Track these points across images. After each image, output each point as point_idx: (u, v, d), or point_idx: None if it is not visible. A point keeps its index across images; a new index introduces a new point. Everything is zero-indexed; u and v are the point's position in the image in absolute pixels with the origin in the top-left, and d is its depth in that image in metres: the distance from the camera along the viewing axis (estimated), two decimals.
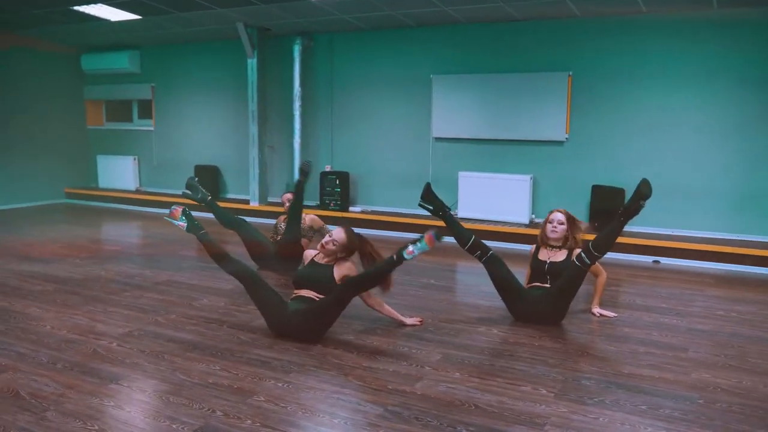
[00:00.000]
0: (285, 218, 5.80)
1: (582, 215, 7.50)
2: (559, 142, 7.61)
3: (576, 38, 7.33)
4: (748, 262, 6.17)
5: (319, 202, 8.91)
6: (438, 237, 3.56)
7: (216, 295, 4.94)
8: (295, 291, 3.98)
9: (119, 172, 10.97)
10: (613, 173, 7.24)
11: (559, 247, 4.44)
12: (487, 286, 4.53)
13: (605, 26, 7.13)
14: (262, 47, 8.87)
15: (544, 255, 4.46)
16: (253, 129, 9.02)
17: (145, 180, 10.99)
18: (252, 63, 8.86)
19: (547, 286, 4.32)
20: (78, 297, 4.75)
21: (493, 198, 7.86)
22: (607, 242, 4.06)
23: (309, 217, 5.92)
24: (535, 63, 7.59)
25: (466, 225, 7.66)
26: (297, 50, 8.81)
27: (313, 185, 8.91)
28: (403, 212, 8.49)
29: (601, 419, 2.88)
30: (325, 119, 9.12)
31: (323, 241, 4.01)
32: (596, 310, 4.55)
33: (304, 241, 5.75)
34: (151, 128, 10.83)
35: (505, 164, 7.91)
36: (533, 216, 7.78)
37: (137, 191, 10.84)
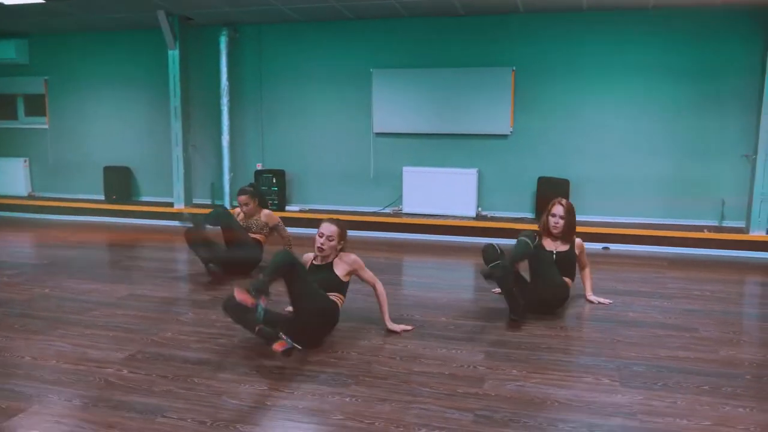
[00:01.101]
0: (242, 218, 5.55)
1: (528, 207, 7.78)
2: (504, 136, 7.78)
3: (519, 34, 7.53)
4: (690, 244, 6.68)
5: None
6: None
7: (197, 307, 4.50)
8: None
9: (7, 176, 9.70)
10: (558, 165, 7.54)
11: (561, 239, 4.51)
12: (469, 279, 4.52)
13: (547, 22, 7.39)
14: (184, 38, 8.23)
15: (550, 245, 4.50)
16: (176, 126, 8.36)
17: (38, 184, 9.82)
18: (174, 55, 8.20)
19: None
20: (39, 321, 4.10)
21: (439, 192, 7.88)
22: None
23: (265, 213, 5.59)
24: (478, 58, 7.69)
25: (413, 220, 7.69)
26: (223, 42, 8.27)
27: (247, 183, 8.43)
28: (344, 210, 8.29)
29: (679, 402, 2.93)
30: (255, 115, 8.66)
31: (318, 244, 3.75)
32: (593, 297, 4.68)
33: (260, 236, 5.51)
34: (45, 126, 9.68)
35: (450, 158, 7.96)
36: (480, 209, 7.89)
37: (30, 196, 9.66)
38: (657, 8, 6.95)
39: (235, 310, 3.40)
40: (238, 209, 5.62)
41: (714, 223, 7.21)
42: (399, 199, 8.13)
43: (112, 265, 6.05)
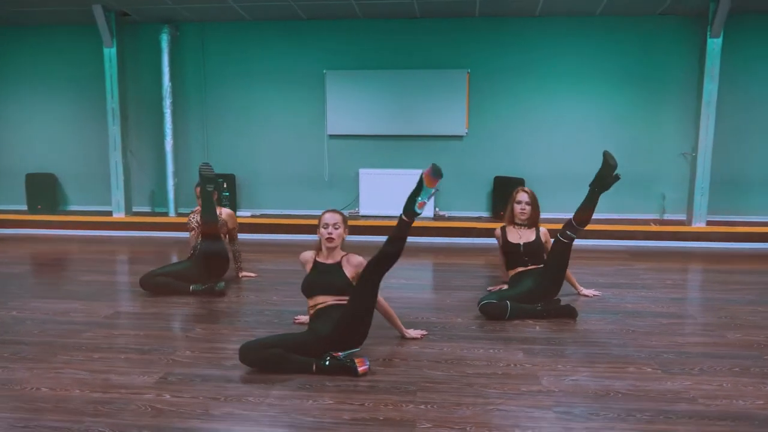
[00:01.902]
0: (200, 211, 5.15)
1: (484, 206, 7.98)
2: (459, 137, 7.94)
3: (474, 37, 7.70)
4: (640, 237, 7.14)
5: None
6: (436, 172, 3.36)
7: (199, 322, 4.22)
8: (311, 302, 3.56)
9: None
10: (512, 164, 7.80)
11: (527, 226, 4.63)
12: (440, 279, 4.60)
13: (501, 26, 7.63)
14: (121, 35, 7.69)
15: (515, 237, 4.61)
16: (114, 130, 7.80)
17: None
18: (110, 53, 7.65)
19: (533, 267, 4.51)
20: (29, 347, 3.67)
21: (397, 194, 7.76)
22: (586, 215, 4.34)
23: (226, 212, 5.25)
24: (434, 60, 7.80)
25: (370, 222, 7.64)
26: (165, 40, 7.83)
27: (193, 189, 8.03)
28: (298, 214, 8.11)
29: (724, 385, 3.12)
30: (199, 118, 8.28)
31: (327, 236, 3.57)
32: (587, 291, 4.87)
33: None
34: None
35: (406, 160, 8.00)
36: (437, 209, 8.00)
37: None
38: (603, 16, 7.38)
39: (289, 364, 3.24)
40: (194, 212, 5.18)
41: (656, 216, 7.75)
42: (355, 202, 8.06)
43: (69, 281, 5.53)
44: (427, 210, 7.84)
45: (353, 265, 3.58)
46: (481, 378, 3.21)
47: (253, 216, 8.03)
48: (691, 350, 3.64)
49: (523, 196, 4.56)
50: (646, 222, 7.50)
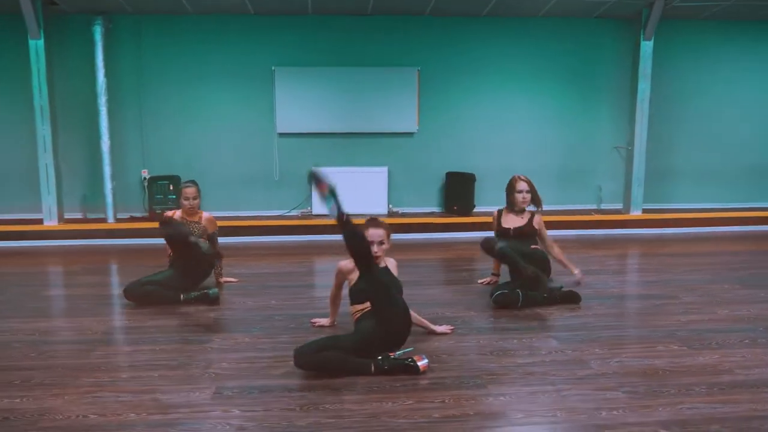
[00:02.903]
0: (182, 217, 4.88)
1: (436, 201, 8.14)
2: (411, 134, 8.03)
3: (424, 35, 7.82)
4: (578, 226, 7.53)
5: (147, 213, 7.56)
6: (310, 178, 3.40)
7: (216, 332, 4.00)
8: (358, 307, 3.52)
9: None
10: (463, 160, 8.01)
11: (523, 211, 4.82)
12: (439, 274, 4.73)
13: (450, 25, 7.80)
14: (49, 27, 7.03)
15: (508, 222, 4.76)
16: (44, 129, 7.12)
17: None
18: (37, 45, 6.96)
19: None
20: (39, 372, 3.31)
21: (350, 191, 7.66)
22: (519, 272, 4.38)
23: (206, 216, 5.00)
24: (385, 58, 7.82)
25: (323, 221, 7.54)
26: (98, 33, 7.26)
27: (134, 192, 7.55)
28: (246, 215, 7.86)
29: (746, 356, 3.43)
30: (135, 116, 7.76)
31: (375, 249, 3.61)
32: (578, 272, 4.94)
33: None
34: None
35: (358, 157, 7.98)
36: (390, 206, 8.05)
37: None
38: (546, 17, 7.77)
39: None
40: (173, 212, 4.91)
41: (593, 206, 8.29)
42: (307, 201, 7.93)
43: (29, 297, 5.00)
44: (381, 207, 7.88)
45: (393, 266, 3.74)
46: (535, 367, 3.31)
47: None
48: (697, 327, 3.95)
49: (522, 186, 4.71)
50: (587, 212, 8.00)
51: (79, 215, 7.75)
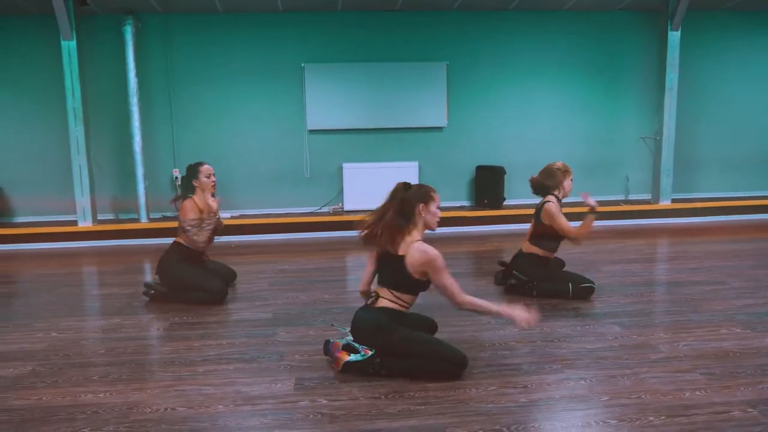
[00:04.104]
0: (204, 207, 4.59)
1: (466, 196, 8.17)
2: (440, 128, 8.05)
3: (451, 30, 7.83)
4: (607, 217, 7.49)
5: (179, 211, 7.56)
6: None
7: (275, 325, 4.04)
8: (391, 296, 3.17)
9: None
10: (493, 153, 8.04)
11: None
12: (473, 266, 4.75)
13: (478, 19, 7.82)
14: (80, 27, 7.05)
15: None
16: (77, 131, 7.14)
17: None
18: (70, 46, 6.98)
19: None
20: (115, 368, 3.34)
21: (381, 187, 7.76)
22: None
23: (212, 201, 4.72)
24: (413, 53, 7.84)
25: (356, 217, 7.54)
26: (129, 32, 7.28)
27: (165, 192, 7.59)
28: (277, 212, 7.89)
29: None
30: (165, 116, 7.78)
31: (437, 220, 3.25)
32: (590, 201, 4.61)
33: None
34: None
35: (388, 153, 8.00)
36: None
37: None
38: (571, 10, 7.79)
39: None
40: (187, 204, 4.52)
41: (621, 197, 8.31)
42: (338, 197, 7.96)
43: (80, 296, 5.04)
44: None
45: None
46: (606, 351, 3.34)
47: (232, 218, 7.68)
48: (754, 311, 3.99)
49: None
50: (615, 203, 8.02)
51: (110, 216, 7.78)
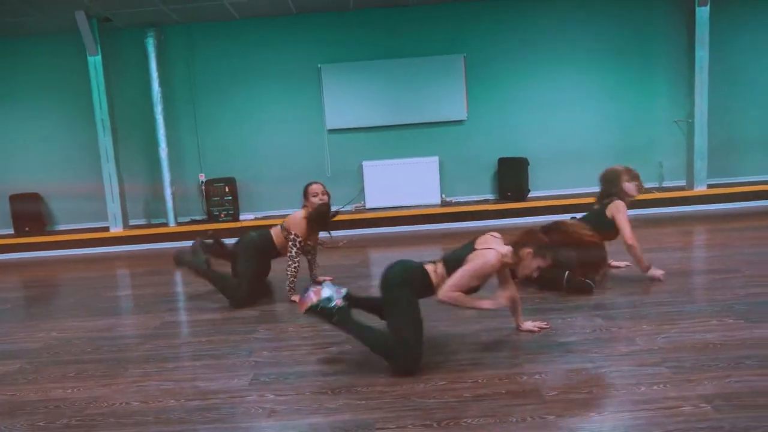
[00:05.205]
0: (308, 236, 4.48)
1: (489, 189, 8.01)
2: (460, 122, 7.94)
3: (467, 22, 7.71)
4: (639, 205, 7.18)
5: (206, 215, 7.83)
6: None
7: (256, 323, 4.09)
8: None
9: None
10: (515, 145, 7.85)
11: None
12: None
13: (494, 8, 7.66)
14: (105, 42, 7.39)
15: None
16: (106, 141, 7.49)
17: None
18: (95, 61, 7.33)
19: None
20: (92, 365, 3.50)
21: (402, 183, 7.85)
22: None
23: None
24: (428, 47, 7.77)
25: (377, 214, 7.57)
26: (151, 44, 7.56)
27: (192, 196, 7.83)
28: None
29: None
30: (190, 123, 8.03)
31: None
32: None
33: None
34: None
35: (409, 148, 7.96)
36: (443, 195, 7.99)
37: None
38: None
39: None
40: (298, 217, 4.40)
41: (655, 184, 7.93)
42: (360, 195, 7.98)
43: (93, 298, 5.29)
44: (434, 197, 7.83)
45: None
46: (577, 345, 3.21)
47: (256, 219, 7.85)
48: (758, 300, 3.72)
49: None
50: (648, 190, 7.66)
51: (142, 221, 8.11)
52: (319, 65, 7.80)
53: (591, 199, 7.15)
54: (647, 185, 7.85)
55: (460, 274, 2.97)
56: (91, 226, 8.02)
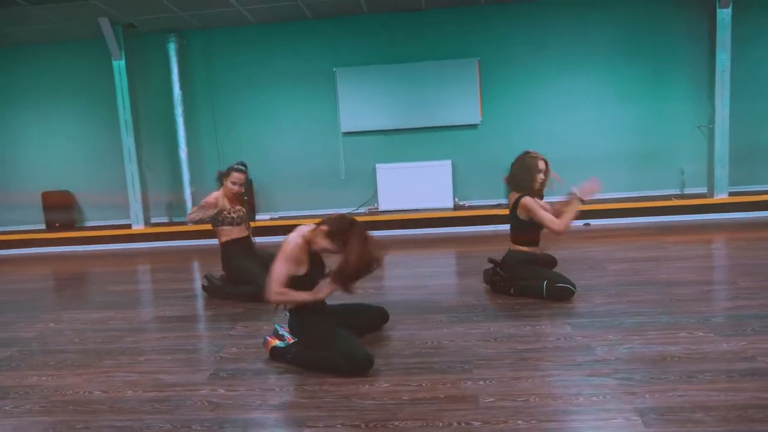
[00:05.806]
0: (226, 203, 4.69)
1: (502, 191, 7.94)
2: (474, 126, 7.92)
3: (481, 26, 7.69)
4: (656, 213, 7.05)
5: None
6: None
7: (235, 320, 4.20)
8: None
9: None
10: (529, 148, 7.74)
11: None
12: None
13: (508, 12, 7.61)
14: (129, 47, 7.69)
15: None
16: (129, 141, 7.80)
17: None
18: (120, 65, 7.65)
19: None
20: (72, 355, 3.66)
21: (415, 187, 7.88)
22: None
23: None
24: (442, 51, 7.78)
25: (390, 216, 7.62)
26: (172, 49, 7.84)
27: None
28: (316, 214, 8.08)
29: None
30: (209, 124, 8.26)
31: None
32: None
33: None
34: None
35: (422, 152, 7.98)
36: (456, 199, 7.97)
37: None
38: None
39: None
40: (215, 194, 4.63)
41: (676, 191, 7.70)
42: (374, 198, 8.04)
43: (99, 292, 5.53)
44: (446, 201, 7.83)
45: None
46: (533, 353, 3.19)
47: (271, 219, 8.02)
48: (740, 313, 3.61)
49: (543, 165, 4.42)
50: (667, 197, 7.46)
51: (165, 219, 8.39)
52: (333, 69, 7.91)
53: (609, 205, 7.06)
54: (668, 192, 7.65)
55: (274, 268, 3.06)
56: (116, 223, 8.35)
